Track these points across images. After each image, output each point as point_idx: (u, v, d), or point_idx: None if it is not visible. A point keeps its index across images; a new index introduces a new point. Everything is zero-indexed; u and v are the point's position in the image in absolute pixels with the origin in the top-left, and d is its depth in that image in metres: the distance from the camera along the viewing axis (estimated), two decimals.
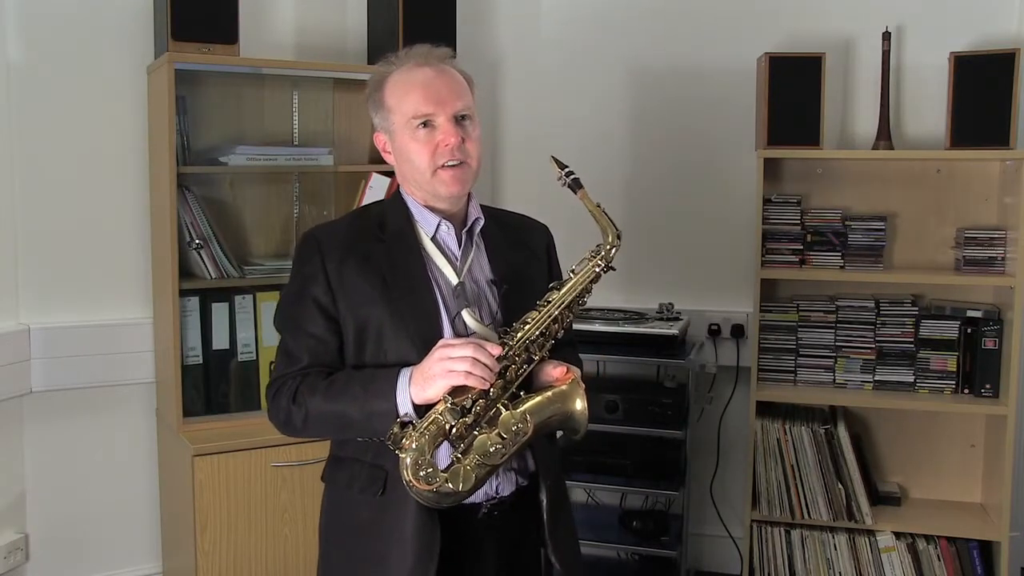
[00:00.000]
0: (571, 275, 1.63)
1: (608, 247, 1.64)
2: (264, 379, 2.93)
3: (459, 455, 1.47)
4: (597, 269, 1.63)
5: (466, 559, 1.61)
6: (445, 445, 1.49)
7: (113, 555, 3.05)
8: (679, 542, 3.15)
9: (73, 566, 2.99)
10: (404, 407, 1.49)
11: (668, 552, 3.15)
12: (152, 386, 3.04)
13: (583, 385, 1.59)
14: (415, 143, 1.60)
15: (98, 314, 2.96)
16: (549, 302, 1.59)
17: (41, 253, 2.89)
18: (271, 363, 2.88)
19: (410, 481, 1.45)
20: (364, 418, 1.52)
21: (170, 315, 2.74)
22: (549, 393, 1.56)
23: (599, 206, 1.65)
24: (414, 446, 1.44)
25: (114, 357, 2.97)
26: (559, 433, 1.66)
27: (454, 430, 1.47)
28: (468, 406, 1.48)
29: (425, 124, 1.60)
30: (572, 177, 1.65)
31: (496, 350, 1.49)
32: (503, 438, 1.48)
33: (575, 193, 1.65)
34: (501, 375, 1.51)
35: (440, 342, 1.51)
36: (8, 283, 2.85)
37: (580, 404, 1.56)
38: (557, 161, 1.67)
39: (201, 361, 2.85)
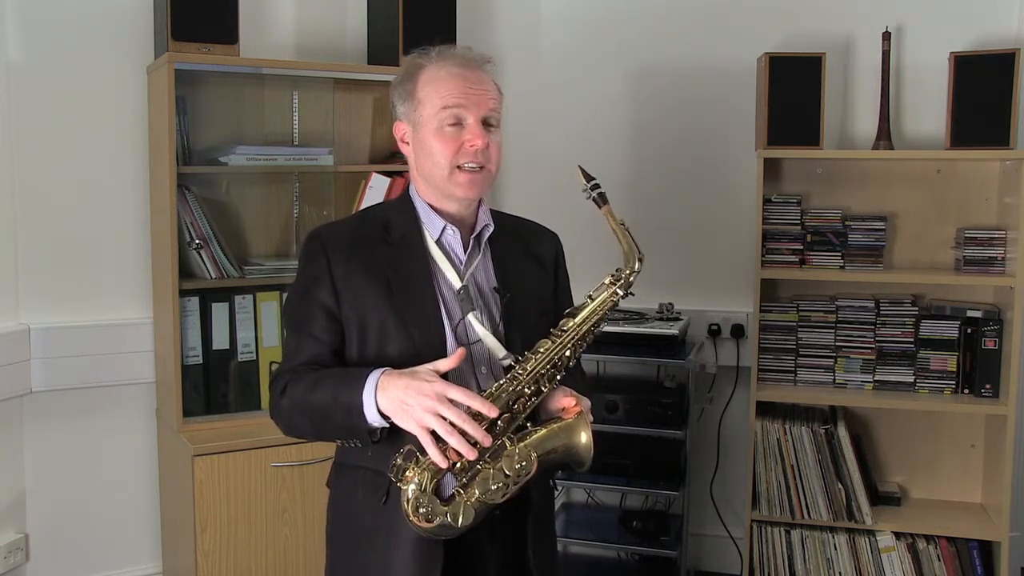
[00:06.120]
0: (588, 300, 1.58)
1: (628, 272, 1.58)
2: (264, 379, 2.93)
3: (461, 488, 1.45)
4: (616, 298, 1.59)
5: (466, 558, 1.61)
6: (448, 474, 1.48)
7: (113, 555, 3.05)
8: (679, 542, 3.15)
9: (73, 566, 2.99)
10: (370, 408, 1.47)
11: (668, 552, 3.15)
12: (152, 386, 3.04)
13: (591, 418, 1.56)
14: (439, 139, 1.57)
15: (98, 314, 2.96)
16: (564, 331, 1.55)
17: (41, 253, 2.89)
18: (271, 363, 2.93)
19: (409, 516, 1.44)
20: (333, 409, 1.50)
21: (170, 315, 2.74)
22: (555, 426, 1.52)
23: (623, 224, 1.58)
24: (416, 479, 1.43)
25: (114, 357, 2.97)
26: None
27: (458, 464, 1.45)
28: (473, 441, 1.44)
29: (453, 123, 1.57)
30: (598, 191, 1.59)
31: (493, 412, 1.43)
32: (507, 475, 1.45)
33: (599, 208, 1.57)
34: (508, 409, 1.49)
35: (437, 386, 1.43)
36: (8, 283, 2.85)
37: (585, 437, 1.52)
38: (584, 172, 1.61)
39: (201, 361, 2.85)
